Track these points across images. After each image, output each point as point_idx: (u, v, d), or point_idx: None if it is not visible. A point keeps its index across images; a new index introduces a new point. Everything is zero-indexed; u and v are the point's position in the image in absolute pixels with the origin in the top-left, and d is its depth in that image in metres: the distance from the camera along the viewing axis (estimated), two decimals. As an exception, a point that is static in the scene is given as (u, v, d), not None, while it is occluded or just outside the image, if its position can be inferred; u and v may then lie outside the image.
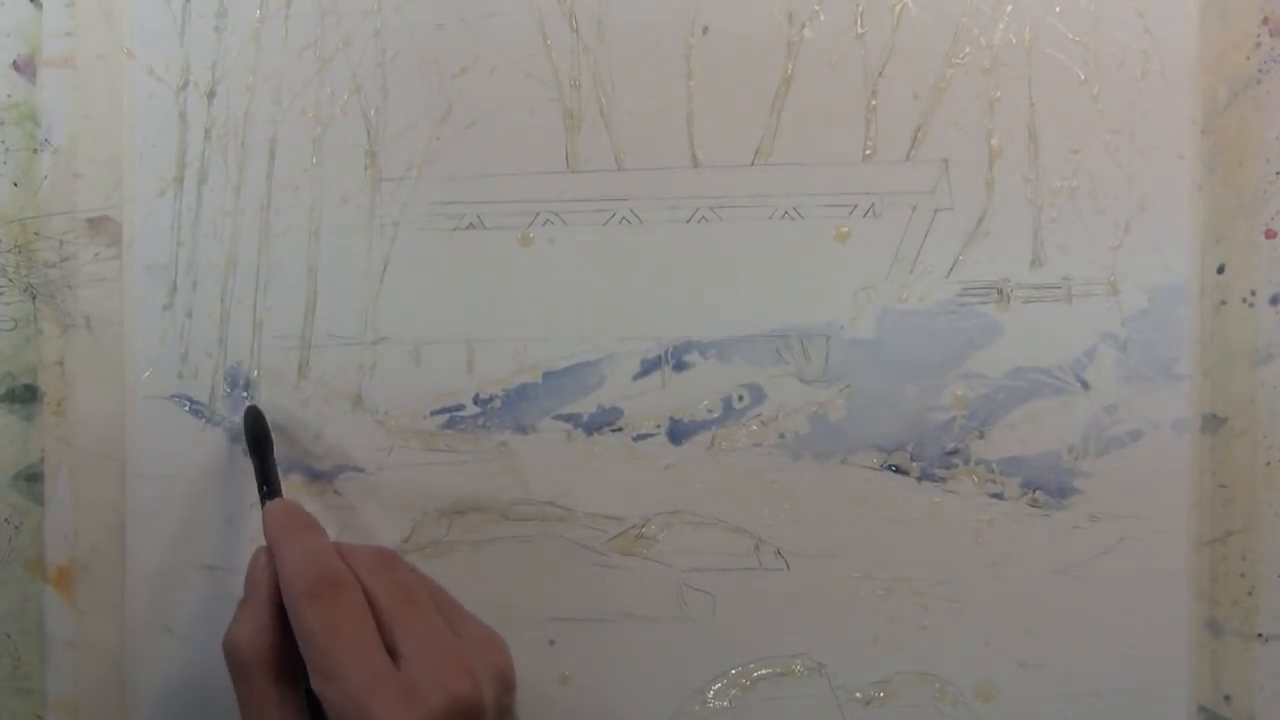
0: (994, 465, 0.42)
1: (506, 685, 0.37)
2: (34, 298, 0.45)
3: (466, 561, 0.44)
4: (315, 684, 0.34)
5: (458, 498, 0.44)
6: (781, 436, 0.42)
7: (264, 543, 0.39)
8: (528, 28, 0.43)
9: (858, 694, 0.42)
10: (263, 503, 0.41)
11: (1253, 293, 0.41)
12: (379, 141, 0.44)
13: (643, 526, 0.43)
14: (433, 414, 0.44)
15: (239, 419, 0.44)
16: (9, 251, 0.45)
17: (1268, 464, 0.41)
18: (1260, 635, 0.41)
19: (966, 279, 0.42)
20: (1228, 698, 0.41)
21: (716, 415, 0.43)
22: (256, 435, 0.42)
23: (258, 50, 0.44)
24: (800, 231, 0.42)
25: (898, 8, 0.42)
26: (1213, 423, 0.41)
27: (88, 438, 0.45)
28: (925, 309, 0.42)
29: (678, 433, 0.43)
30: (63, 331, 0.45)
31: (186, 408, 0.45)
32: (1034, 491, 0.41)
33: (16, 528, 0.45)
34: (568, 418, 0.43)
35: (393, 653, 0.35)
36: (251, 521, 0.44)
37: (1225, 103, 0.40)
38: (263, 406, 0.44)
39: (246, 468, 0.44)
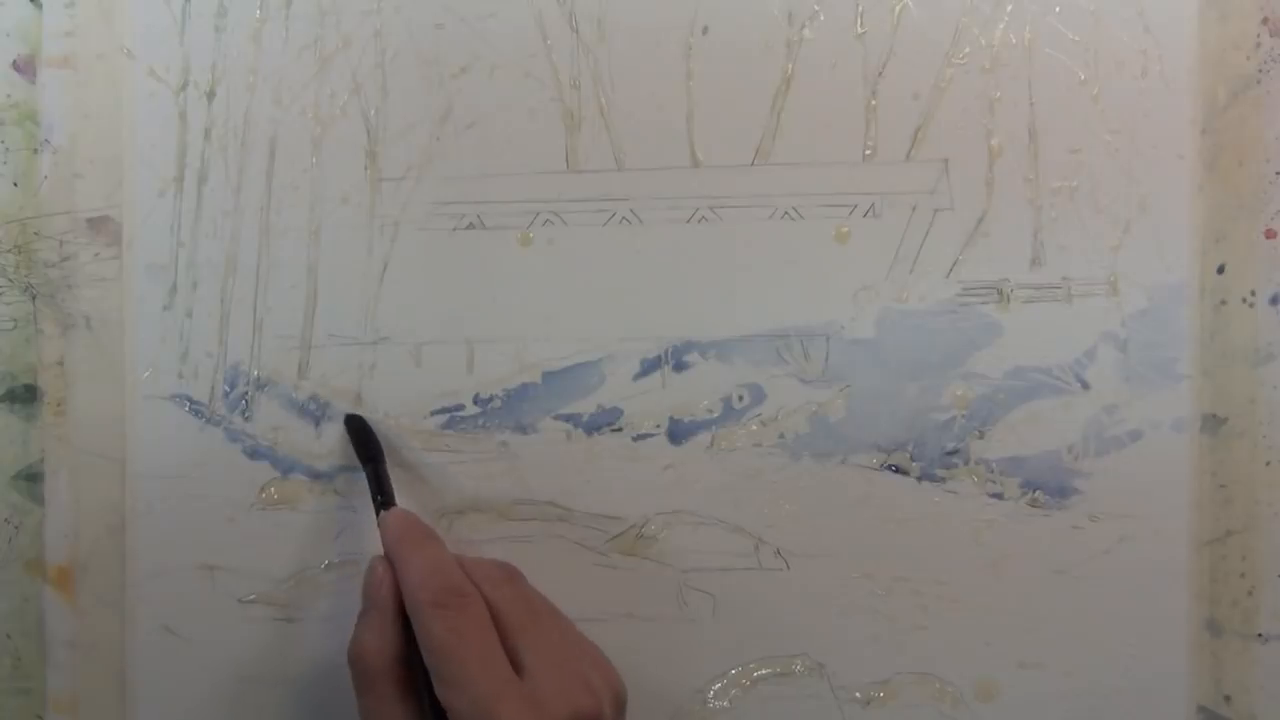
0: (994, 465, 0.42)
1: (620, 706, 0.37)
2: (34, 298, 0.45)
3: (466, 561, 0.44)
4: (441, 692, 0.35)
5: (458, 498, 0.44)
6: (781, 436, 0.42)
7: (381, 552, 0.39)
8: (528, 28, 0.43)
9: (858, 694, 0.42)
10: (377, 512, 0.41)
11: (1253, 293, 0.41)
12: (379, 141, 0.44)
13: (643, 526, 0.43)
14: (433, 414, 0.44)
15: (240, 418, 0.44)
16: (9, 251, 0.45)
17: (1268, 464, 0.41)
18: (1260, 635, 0.41)
19: (966, 279, 0.42)
20: (1228, 698, 0.41)
21: (716, 415, 0.43)
22: (366, 444, 0.42)
23: (258, 50, 0.44)
24: (800, 231, 0.42)
25: (898, 8, 0.42)
26: (1213, 423, 0.41)
27: (88, 438, 0.45)
28: (925, 309, 0.42)
29: (678, 433, 0.43)
30: (63, 331, 0.45)
31: (186, 408, 0.45)
32: (1034, 491, 0.41)
33: (16, 528, 0.45)
34: (568, 418, 0.43)
35: (516, 665, 0.35)
36: (252, 521, 0.44)
37: (1225, 103, 0.40)
38: (263, 406, 0.44)
39: (248, 467, 0.44)
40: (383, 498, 0.41)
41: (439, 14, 0.43)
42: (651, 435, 0.43)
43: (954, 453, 0.42)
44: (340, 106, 0.44)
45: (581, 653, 0.38)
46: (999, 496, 0.42)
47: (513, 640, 0.36)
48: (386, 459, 0.42)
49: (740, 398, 0.43)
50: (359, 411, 0.44)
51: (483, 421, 0.44)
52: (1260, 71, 0.40)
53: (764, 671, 0.43)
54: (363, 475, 0.43)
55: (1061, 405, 0.41)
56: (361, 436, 0.43)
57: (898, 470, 0.42)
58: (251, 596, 0.44)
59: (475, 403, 0.44)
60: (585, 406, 0.43)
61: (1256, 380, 0.41)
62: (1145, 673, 0.41)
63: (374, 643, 0.37)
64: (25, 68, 0.45)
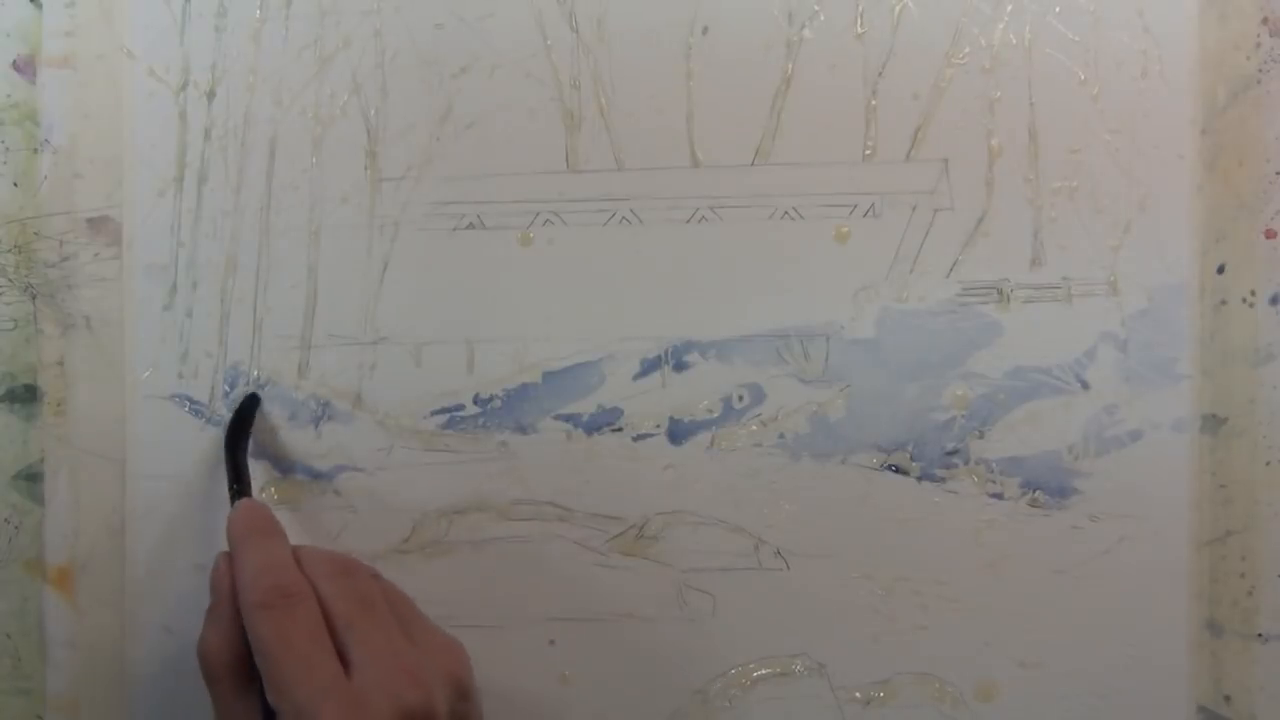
0: (994, 465, 0.42)
1: (462, 693, 0.37)
2: (34, 298, 0.45)
3: (466, 561, 0.44)
4: (268, 695, 0.34)
5: (458, 498, 0.44)
6: (781, 436, 0.42)
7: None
8: (528, 28, 0.43)
9: (858, 694, 0.42)
10: (231, 500, 0.41)
11: (1253, 293, 0.41)
12: (379, 141, 0.44)
13: (643, 526, 0.43)
14: (433, 414, 0.44)
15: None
16: (9, 251, 0.45)
17: (1268, 464, 0.41)
18: (1260, 635, 0.41)
19: (966, 279, 0.42)
20: (1228, 698, 0.41)
21: (716, 415, 0.43)
22: (240, 429, 0.42)
23: (258, 50, 0.44)
24: (800, 231, 0.42)
25: (898, 8, 0.42)
26: (1212, 423, 0.41)
27: (88, 438, 0.45)
28: (925, 309, 0.42)
29: (678, 433, 0.43)
30: (63, 331, 0.45)
31: (186, 408, 0.45)
32: (1034, 491, 0.41)
33: (16, 528, 0.45)
34: (568, 418, 0.43)
35: (346, 662, 0.35)
36: (251, 521, 0.44)
37: (1225, 103, 0.40)
38: (263, 407, 0.44)
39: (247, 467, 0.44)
40: (239, 486, 0.41)
41: (439, 14, 0.43)
42: (651, 435, 0.43)
43: (954, 453, 0.42)
44: (340, 106, 0.44)
45: (421, 642, 0.37)
46: (999, 496, 0.42)
47: (343, 637, 0.35)
48: (276, 451, 0.42)
49: (740, 398, 0.43)
50: (360, 411, 0.44)
51: (483, 421, 0.44)
52: (1260, 71, 0.40)
53: (764, 671, 0.43)
54: (363, 475, 0.43)
55: (1061, 405, 0.41)
56: (240, 419, 0.43)
57: (898, 470, 0.42)
58: (251, 596, 0.44)
59: (475, 403, 0.44)
60: (585, 406, 0.43)
61: (1256, 380, 0.41)
62: (1145, 673, 0.41)
63: (215, 640, 0.37)
64: (25, 68, 0.45)
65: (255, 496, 0.44)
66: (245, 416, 0.43)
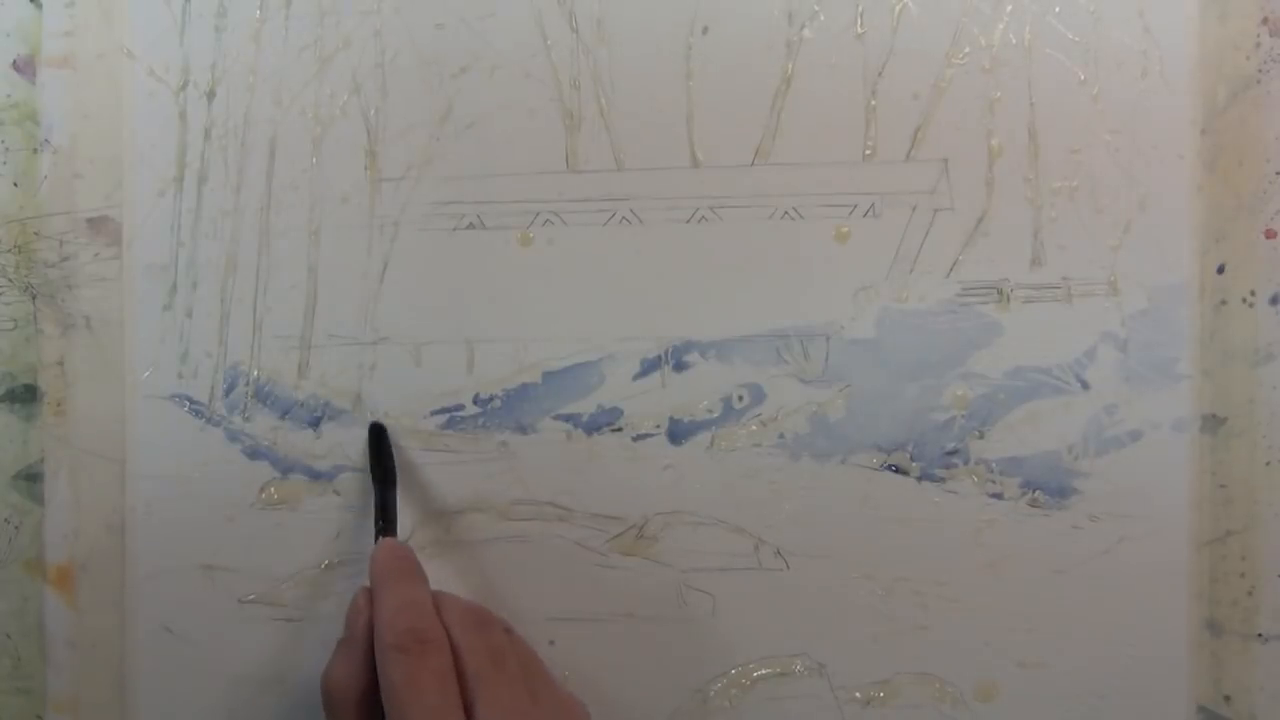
0: (994, 465, 0.42)
1: None
2: (34, 298, 0.45)
3: (466, 561, 0.44)
4: None
5: (458, 498, 0.44)
6: (781, 436, 0.42)
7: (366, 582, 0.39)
8: (528, 28, 0.43)
9: (858, 694, 0.42)
10: (376, 537, 0.41)
11: (1253, 293, 0.41)
12: (379, 141, 0.44)
13: (643, 526, 0.43)
14: (433, 414, 0.44)
15: (240, 418, 0.44)
16: (9, 251, 0.45)
17: (1268, 464, 0.41)
18: (1260, 635, 0.41)
19: (966, 279, 0.42)
20: (1228, 698, 0.41)
21: (716, 415, 0.43)
22: (384, 465, 0.42)
23: (258, 50, 0.44)
24: (800, 231, 0.42)
25: (898, 8, 0.42)
26: (1212, 423, 0.41)
27: (88, 438, 0.45)
28: (925, 309, 0.42)
29: (678, 433, 0.43)
30: (63, 331, 0.45)
31: (186, 408, 0.45)
32: (1034, 491, 0.41)
33: (16, 528, 0.45)
34: (568, 418, 0.43)
35: (470, 716, 0.35)
36: (252, 521, 0.44)
37: (1225, 103, 0.40)
38: (263, 407, 0.44)
39: (247, 467, 0.44)
40: (385, 524, 0.41)
41: (439, 14, 0.43)
42: (651, 435, 0.43)
43: (954, 453, 0.42)
44: (340, 106, 0.44)
45: (544, 703, 0.37)
46: (999, 496, 0.42)
47: (471, 691, 0.36)
48: (398, 482, 0.42)
49: (740, 398, 0.43)
50: (360, 411, 0.44)
51: (483, 421, 0.44)
52: (1260, 71, 0.40)
53: (764, 671, 0.43)
54: (362, 475, 0.43)
55: (1061, 405, 0.41)
56: (381, 454, 0.43)
57: (898, 470, 0.42)
58: (251, 596, 0.44)
59: (475, 403, 0.44)
60: (585, 406, 0.43)
61: (1256, 380, 0.41)
62: (1145, 673, 0.41)
63: (342, 675, 0.37)
64: (25, 68, 0.45)
65: (257, 498, 0.44)
66: (382, 449, 0.43)
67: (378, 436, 0.43)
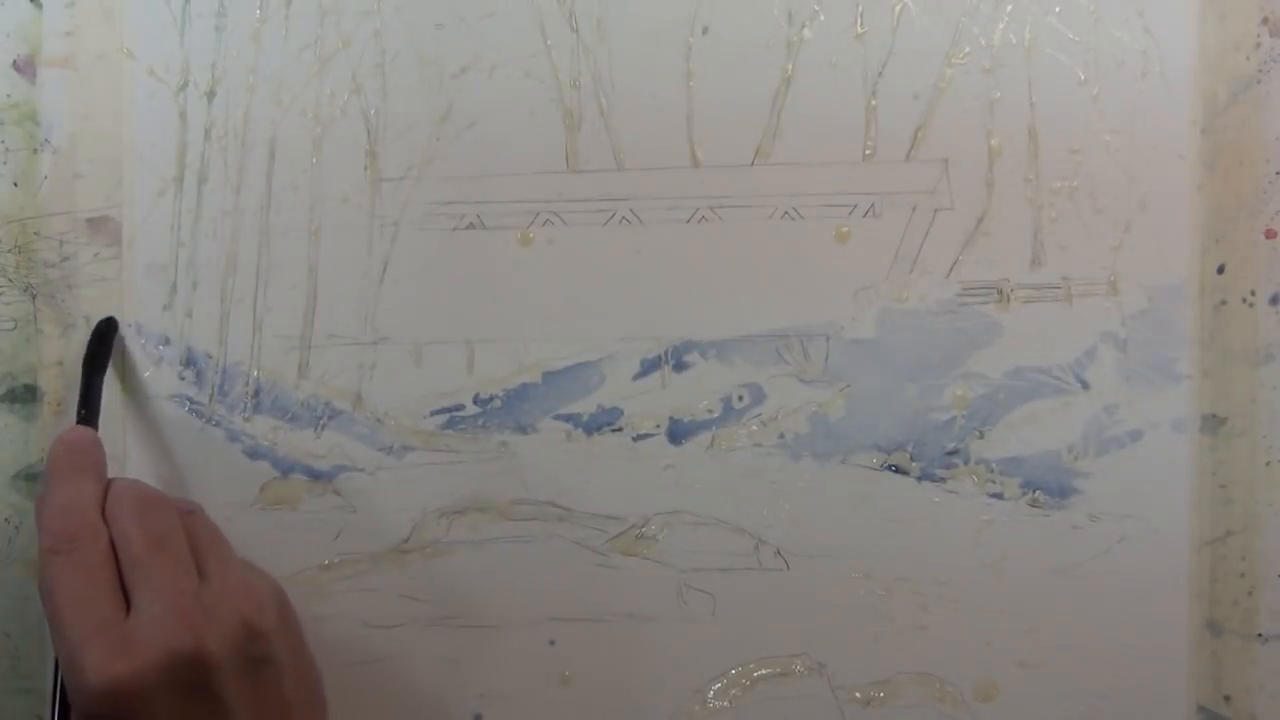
0: (994, 465, 0.42)
1: (253, 633, 0.36)
2: (34, 298, 0.45)
3: (466, 561, 0.44)
4: (52, 642, 0.35)
5: (458, 498, 0.44)
6: (781, 436, 0.42)
7: None
8: (528, 28, 0.43)
9: (858, 694, 0.42)
10: (77, 423, 0.41)
11: (1253, 293, 0.41)
12: (379, 141, 0.44)
13: (643, 526, 0.43)
14: (433, 414, 0.44)
15: (240, 418, 0.44)
16: (9, 251, 0.45)
17: (1268, 464, 0.41)
18: (1260, 635, 0.41)
19: (966, 279, 0.42)
20: (1228, 698, 0.41)
21: (716, 415, 0.43)
22: (99, 352, 0.42)
23: (258, 50, 0.44)
24: (800, 231, 0.42)
25: (898, 8, 0.42)
26: (1213, 423, 0.41)
27: (88, 438, 0.45)
28: (925, 309, 0.42)
29: (678, 433, 0.43)
30: (63, 331, 0.45)
31: (186, 408, 0.45)
32: (1034, 491, 0.41)
33: (16, 528, 0.45)
34: (568, 418, 0.43)
35: (130, 604, 0.35)
36: (252, 521, 0.44)
37: (1225, 103, 0.40)
38: (263, 407, 0.44)
39: (246, 467, 0.44)
40: (86, 412, 0.41)
41: (439, 14, 0.43)
42: (651, 435, 0.43)
43: (954, 453, 0.42)
44: (340, 106, 0.44)
45: (217, 581, 0.37)
46: (999, 496, 0.42)
47: (130, 577, 0.35)
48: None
49: (740, 398, 0.43)
50: (360, 411, 0.44)
51: (483, 421, 0.44)
52: (1260, 71, 0.40)
53: (764, 671, 0.43)
54: (363, 475, 0.43)
55: (1061, 405, 0.41)
56: (100, 343, 0.43)
57: (898, 470, 0.42)
58: (251, 596, 0.44)
59: (475, 403, 0.44)
60: (585, 406, 0.43)
61: (1256, 380, 0.41)
62: (1145, 673, 0.41)
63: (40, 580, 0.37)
64: (25, 68, 0.45)
65: (257, 498, 0.44)
66: (104, 339, 0.43)
67: (107, 327, 0.43)
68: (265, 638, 0.37)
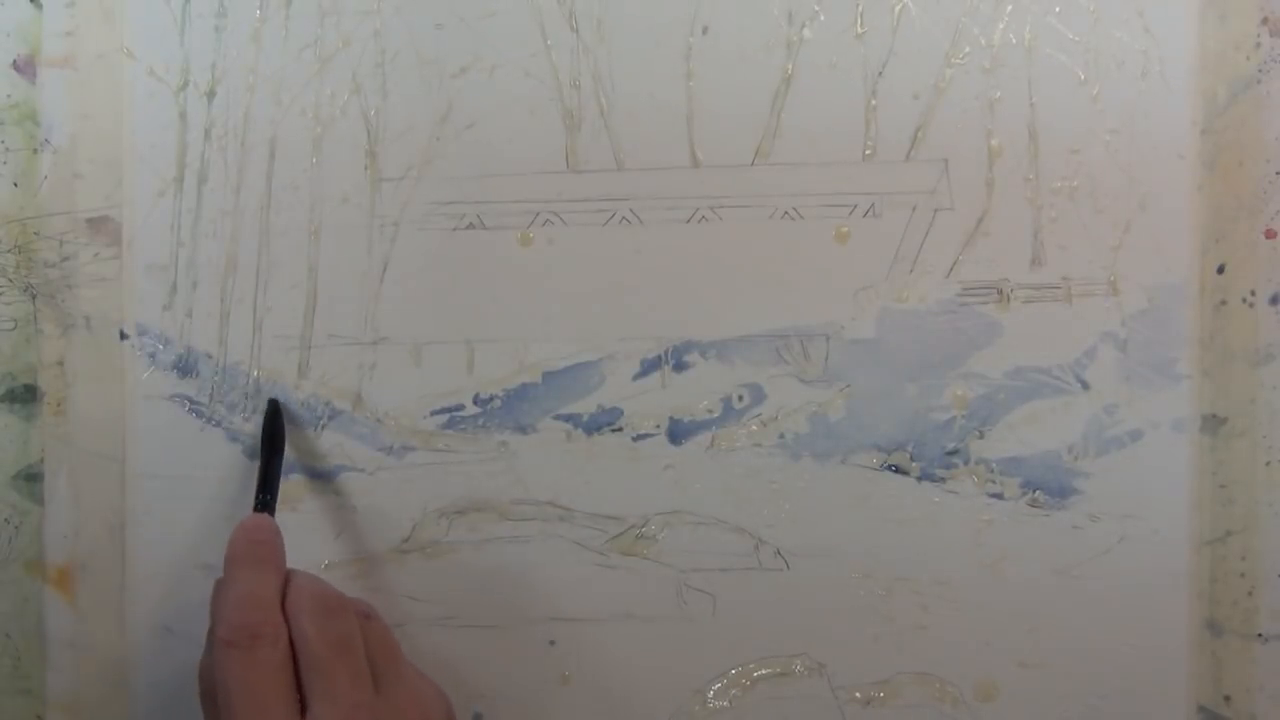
0: (994, 465, 0.42)
1: None
2: (34, 298, 0.45)
3: (466, 561, 0.44)
4: None
5: (458, 498, 0.44)
6: (781, 436, 0.42)
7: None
8: (528, 28, 0.43)
9: (858, 694, 0.42)
10: (255, 509, 0.41)
11: (1253, 293, 0.41)
12: (379, 141, 0.44)
13: (643, 526, 0.43)
14: (433, 414, 0.44)
15: (240, 418, 0.44)
16: (9, 251, 0.45)
17: (1268, 464, 0.41)
18: (1260, 635, 0.41)
19: (966, 279, 0.42)
20: (1228, 698, 0.41)
21: (716, 415, 0.43)
22: (275, 434, 0.42)
23: (258, 50, 0.44)
24: (800, 231, 0.42)
25: (898, 8, 0.42)
26: (1213, 423, 0.41)
27: (88, 438, 0.45)
28: (925, 309, 0.42)
29: (678, 433, 0.43)
30: (63, 331, 0.45)
31: (186, 408, 0.45)
32: (1034, 491, 0.41)
33: (16, 528, 0.45)
34: (568, 418, 0.43)
35: (306, 709, 0.35)
36: (251, 521, 0.44)
37: (1225, 103, 0.40)
38: (263, 406, 0.44)
39: (247, 467, 0.44)
40: (266, 497, 0.41)
41: (439, 14, 0.43)
42: (651, 435, 0.43)
43: (954, 453, 0.42)
44: (340, 106, 0.44)
45: (391, 693, 0.37)
46: (999, 496, 0.42)
47: (309, 684, 0.35)
48: (286, 456, 0.42)
49: (740, 398, 0.43)
50: (360, 411, 0.44)
51: (483, 421, 0.44)
52: (1260, 71, 0.40)
53: (764, 671, 0.43)
54: (363, 475, 0.43)
55: (1061, 405, 0.41)
56: (274, 423, 0.43)
57: (898, 470, 0.42)
58: (251, 596, 0.44)
59: (475, 403, 0.44)
60: (585, 406, 0.43)
61: (1256, 380, 0.41)
62: (1145, 673, 0.41)
63: (205, 664, 0.37)
64: (25, 68, 0.45)
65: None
66: (277, 418, 0.43)
67: (274, 410, 0.43)
68: None
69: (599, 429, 0.43)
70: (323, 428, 0.44)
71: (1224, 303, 0.41)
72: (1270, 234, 0.40)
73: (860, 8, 0.42)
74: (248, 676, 0.35)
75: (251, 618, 0.36)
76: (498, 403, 0.43)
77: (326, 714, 0.35)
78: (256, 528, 0.39)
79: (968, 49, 0.41)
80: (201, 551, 0.44)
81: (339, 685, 0.35)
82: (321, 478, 0.44)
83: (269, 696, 0.34)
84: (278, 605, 0.36)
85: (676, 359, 0.43)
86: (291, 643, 0.36)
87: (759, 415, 0.43)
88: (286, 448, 0.43)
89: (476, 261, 0.43)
